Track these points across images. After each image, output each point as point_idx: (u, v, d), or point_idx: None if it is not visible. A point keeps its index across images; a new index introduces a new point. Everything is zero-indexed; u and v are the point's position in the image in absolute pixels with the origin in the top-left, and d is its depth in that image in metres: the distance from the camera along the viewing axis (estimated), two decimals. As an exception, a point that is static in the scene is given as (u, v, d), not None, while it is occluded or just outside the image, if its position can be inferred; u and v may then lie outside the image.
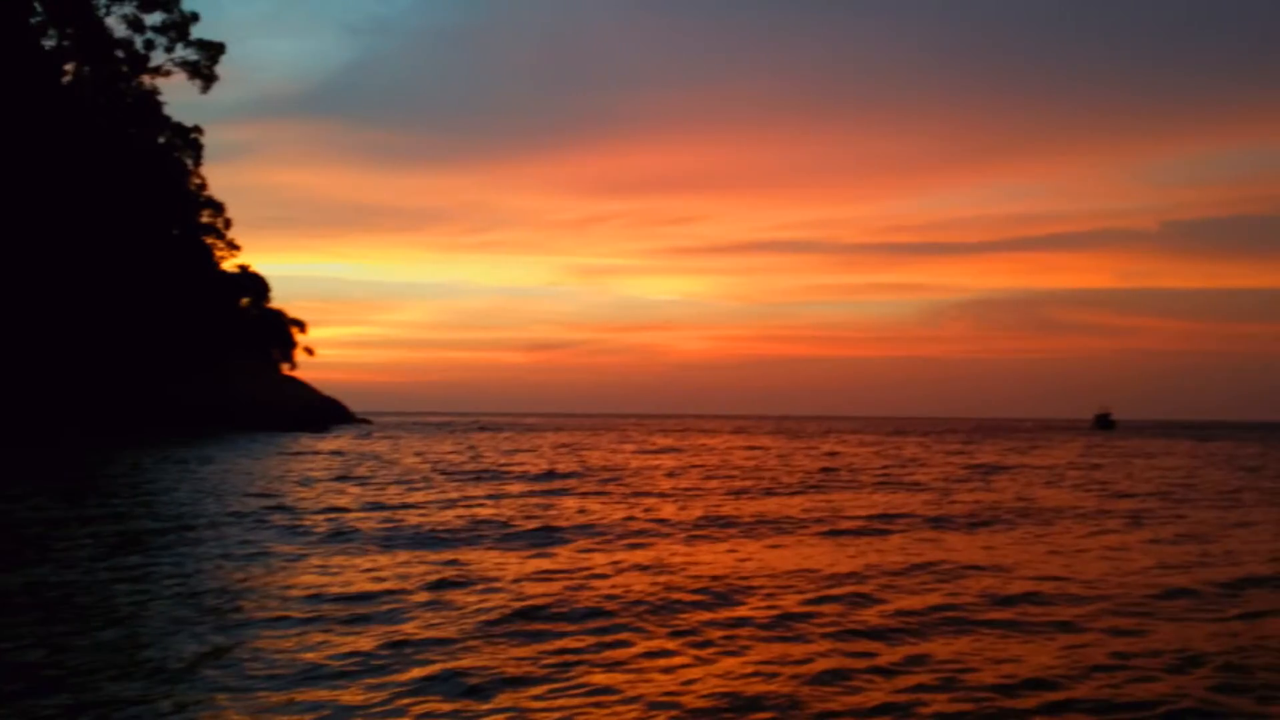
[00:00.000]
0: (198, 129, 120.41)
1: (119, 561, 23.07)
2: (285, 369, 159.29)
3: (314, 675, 13.84)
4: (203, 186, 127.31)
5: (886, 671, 14.56)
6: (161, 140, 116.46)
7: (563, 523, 31.78)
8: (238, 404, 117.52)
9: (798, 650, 15.81)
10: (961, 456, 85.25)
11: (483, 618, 17.63)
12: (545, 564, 23.90)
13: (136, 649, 15.18)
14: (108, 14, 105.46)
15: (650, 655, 15.43)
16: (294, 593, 19.78)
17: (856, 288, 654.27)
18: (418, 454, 76.64)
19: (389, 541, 27.19)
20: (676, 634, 16.91)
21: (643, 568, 23.56)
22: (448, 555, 24.93)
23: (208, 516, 31.62)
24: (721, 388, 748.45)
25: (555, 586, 20.77)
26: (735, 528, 31.63)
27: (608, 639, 16.37)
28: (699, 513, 35.63)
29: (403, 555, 24.88)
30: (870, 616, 18.45)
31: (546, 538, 28.53)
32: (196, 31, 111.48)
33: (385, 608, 18.49)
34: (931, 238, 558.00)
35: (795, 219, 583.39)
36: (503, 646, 15.67)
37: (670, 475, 56.81)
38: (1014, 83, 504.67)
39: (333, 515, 32.69)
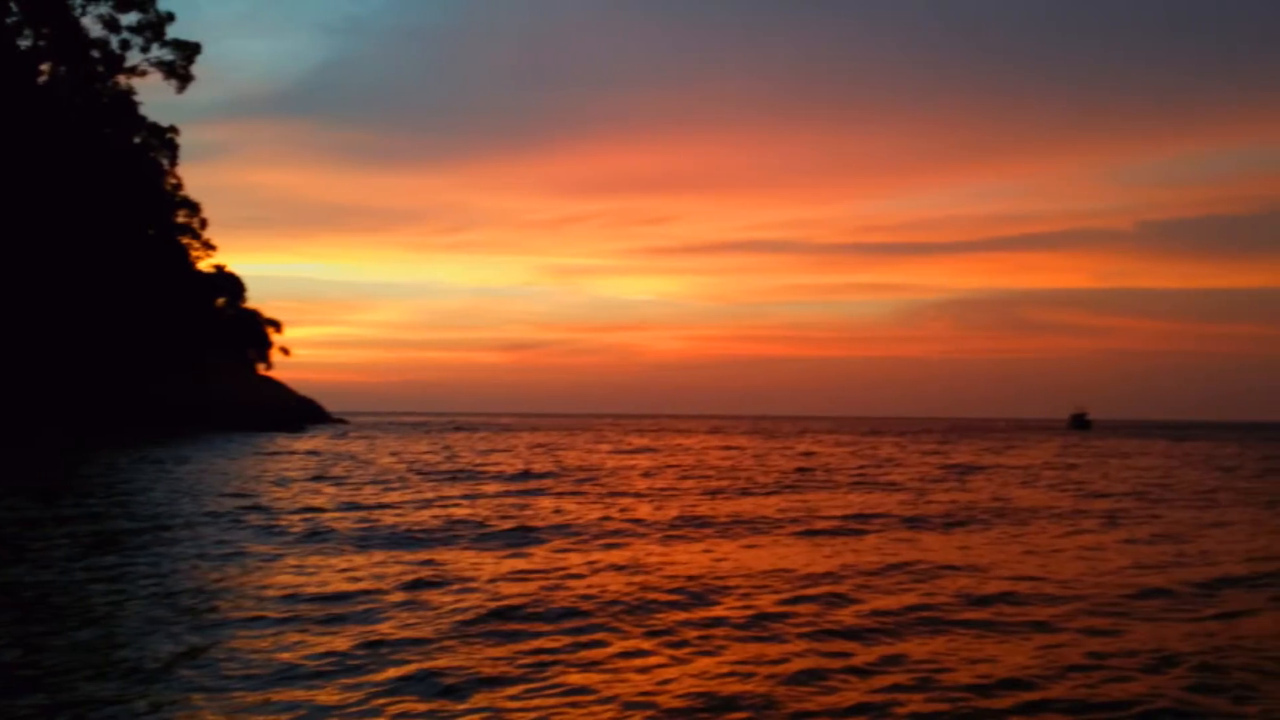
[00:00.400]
0: (173, 129, 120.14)
1: (95, 561, 23.04)
2: (261, 369, 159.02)
3: (290, 675, 13.83)
4: (178, 186, 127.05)
5: (862, 671, 14.58)
6: (137, 140, 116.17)
7: (538, 523, 31.79)
8: (214, 404, 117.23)
9: (773, 650, 15.84)
10: (937, 456, 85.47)
11: (458, 618, 17.64)
12: (521, 564, 23.91)
13: (112, 649, 15.15)
14: (83, 14, 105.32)
15: (626, 655, 15.45)
16: (270, 593, 19.77)
17: (832, 288, 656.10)
18: (393, 454, 76.64)
19: (365, 541, 27.18)
20: (652, 634, 16.93)
21: (618, 568, 23.59)
22: (423, 555, 24.93)
23: (184, 516, 31.58)
24: (697, 388, 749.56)
25: (531, 586, 20.77)
26: (711, 528, 31.68)
27: (583, 639, 16.38)
28: (675, 513, 35.67)
29: (378, 555, 24.88)
30: (846, 616, 18.48)
31: (522, 538, 28.54)
32: (172, 31, 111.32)
33: (361, 608, 18.48)
34: (907, 238, 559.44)
35: (771, 219, 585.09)
36: (478, 646, 15.67)
37: (646, 475, 56.89)
38: (990, 83, 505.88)
39: (308, 515, 32.68)
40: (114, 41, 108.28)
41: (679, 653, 15.65)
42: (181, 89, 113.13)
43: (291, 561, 23.66)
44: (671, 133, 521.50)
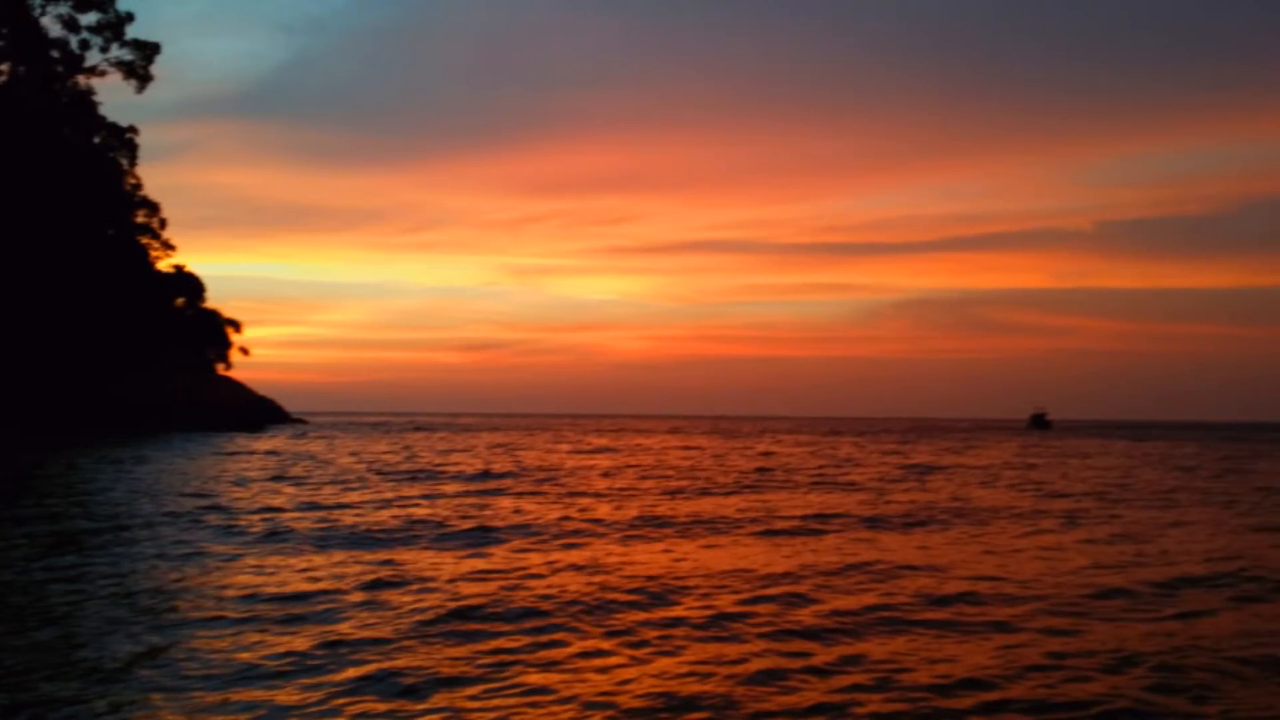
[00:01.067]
0: (133, 129, 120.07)
1: (54, 561, 22.98)
2: (220, 369, 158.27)
3: (249, 675, 13.81)
4: (138, 186, 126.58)
5: (822, 671, 14.60)
6: (97, 140, 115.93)
7: (498, 523, 31.76)
8: (173, 404, 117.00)
9: (733, 650, 15.85)
10: (897, 456, 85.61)
11: (418, 618, 17.63)
12: (481, 564, 23.89)
13: (72, 649, 15.12)
14: (43, 14, 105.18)
15: (585, 655, 15.45)
16: (229, 593, 19.73)
17: (792, 288, 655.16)
18: (353, 454, 76.51)
19: (324, 541, 27.13)
20: (612, 634, 16.93)
21: (578, 568, 23.58)
22: (383, 555, 24.90)
23: (143, 516, 31.48)
24: (657, 388, 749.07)
25: (491, 586, 20.76)
26: (670, 528, 31.69)
27: (543, 639, 16.38)
28: (634, 513, 35.68)
29: (338, 555, 24.84)
30: (805, 616, 18.51)
31: (482, 538, 28.52)
32: (131, 31, 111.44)
33: (321, 608, 18.45)
34: (867, 238, 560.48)
35: (731, 219, 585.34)
36: (438, 646, 15.67)
37: (606, 475, 56.85)
38: (949, 83, 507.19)
39: (268, 515, 32.59)
40: (73, 41, 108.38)
41: (638, 653, 15.67)
42: (141, 89, 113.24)
43: (251, 561, 23.61)
44: (632, 132, 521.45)
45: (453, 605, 18.65)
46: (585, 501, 40.11)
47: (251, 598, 19.24)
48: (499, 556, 25.22)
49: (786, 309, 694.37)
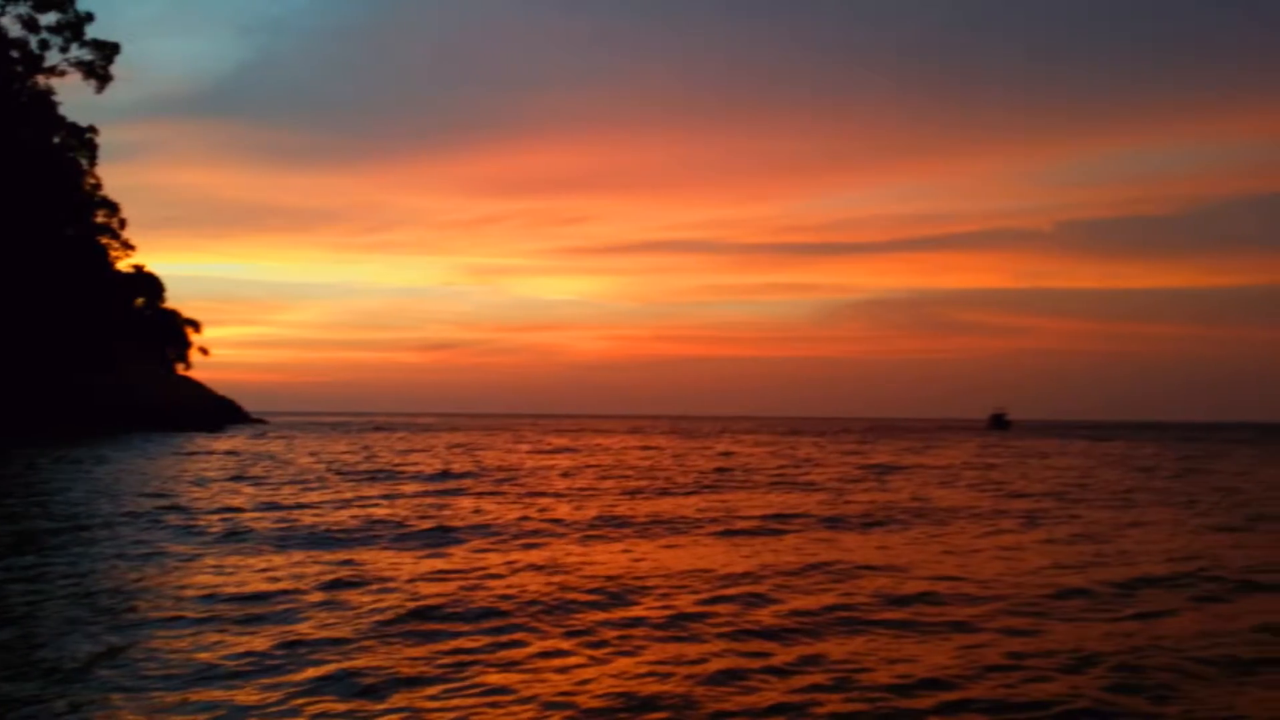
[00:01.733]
0: (93, 129, 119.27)
1: (13, 562, 22.90)
2: (180, 369, 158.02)
3: (209, 675, 13.77)
4: (98, 186, 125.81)
5: (781, 671, 14.62)
6: (56, 140, 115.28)
7: (458, 523, 31.74)
8: (132, 404, 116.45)
9: (692, 650, 15.86)
10: (856, 456, 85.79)
11: (377, 618, 17.61)
12: (440, 564, 23.88)
13: (31, 649, 15.08)
14: (2, 14, 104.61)
15: (545, 655, 15.45)
16: (189, 593, 19.69)
17: (752, 288, 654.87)
18: (312, 454, 76.40)
19: (284, 541, 27.08)
20: (571, 634, 16.93)
21: (538, 568, 23.58)
22: (342, 555, 24.87)
23: (102, 516, 31.37)
24: (617, 388, 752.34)
25: (450, 586, 20.75)
26: (630, 528, 31.71)
27: (503, 639, 16.37)
28: (594, 513, 35.67)
29: (297, 555, 24.79)
30: (765, 616, 18.53)
31: (441, 538, 28.50)
32: (91, 31, 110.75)
33: (280, 608, 18.41)
34: (826, 238, 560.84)
35: (690, 219, 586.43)
36: (397, 646, 15.65)
37: (565, 475, 56.89)
38: (908, 84, 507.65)
39: (227, 515, 32.53)
40: (33, 41, 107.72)
41: (598, 653, 15.67)
42: (101, 89, 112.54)
43: (210, 561, 23.55)
44: (591, 133, 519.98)
45: (412, 605, 18.64)
46: (545, 501, 40.14)
47: (211, 598, 19.21)
48: (458, 556, 25.20)
49: (745, 309, 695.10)
